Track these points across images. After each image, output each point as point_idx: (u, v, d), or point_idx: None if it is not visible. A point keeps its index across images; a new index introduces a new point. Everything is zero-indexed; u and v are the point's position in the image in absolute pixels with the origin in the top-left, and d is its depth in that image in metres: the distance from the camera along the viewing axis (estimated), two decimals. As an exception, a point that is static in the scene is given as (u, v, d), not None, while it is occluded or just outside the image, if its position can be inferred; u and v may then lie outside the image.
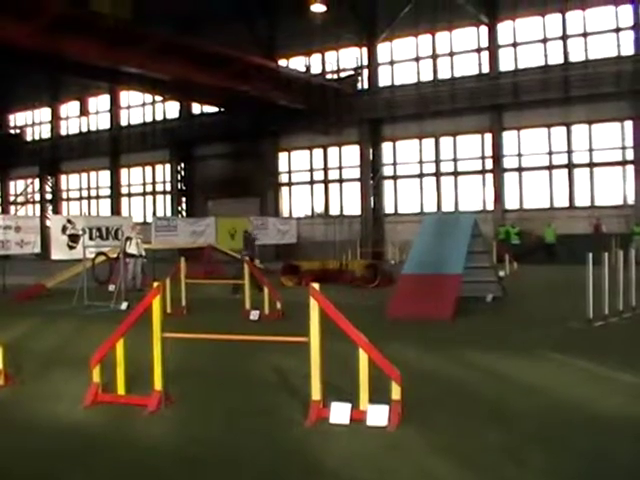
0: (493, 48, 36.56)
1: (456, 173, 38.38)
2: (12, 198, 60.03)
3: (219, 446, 6.52)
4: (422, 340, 11.90)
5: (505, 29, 36.38)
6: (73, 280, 20.14)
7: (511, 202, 36.76)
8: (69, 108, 55.94)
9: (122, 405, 7.76)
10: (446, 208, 38.23)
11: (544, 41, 35.43)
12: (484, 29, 36.78)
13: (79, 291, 17.83)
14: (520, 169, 36.53)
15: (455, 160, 38.38)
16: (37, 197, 57.62)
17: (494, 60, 36.54)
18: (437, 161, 38.86)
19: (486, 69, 36.89)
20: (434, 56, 38.77)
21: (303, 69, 41.65)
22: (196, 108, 47.68)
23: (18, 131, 59.31)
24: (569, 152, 35.14)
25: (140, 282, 21.51)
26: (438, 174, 38.87)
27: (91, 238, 24.55)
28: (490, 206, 37.01)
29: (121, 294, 17.39)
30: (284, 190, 44.79)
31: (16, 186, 60.17)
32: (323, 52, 42.18)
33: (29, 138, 58.94)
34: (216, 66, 32.37)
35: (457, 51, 38.09)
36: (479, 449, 6.23)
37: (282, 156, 44.43)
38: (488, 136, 36.95)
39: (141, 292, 18.95)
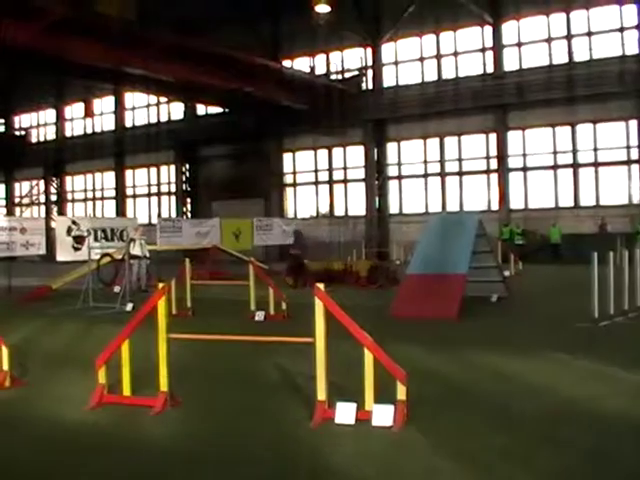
0: (497, 48, 36.53)
1: (461, 173, 38.36)
2: (17, 200, 60.10)
3: (225, 447, 6.53)
4: (427, 340, 11.90)
5: (509, 29, 36.34)
6: (78, 281, 20.16)
7: (516, 202, 36.70)
8: (74, 110, 56.02)
9: (128, 406, 7.78)
10: (451, 208, 38.19)
11: (548, 41, 35.37)
12: (488, 29, 36.75)
13: (84, 292, 17.86)
14: (525, 169, 36.48)
15: (460, 160, 38.35)
16: (42, 198, 57.68)
17: (498, 60, 36.51)
18: (442, 161, 38.85)
19: (490, 69, 36.86)
20: (438, 56, 38.75)
21: (307, 70, 41.66)
22: (201, 109, 47.73)
23: (23, 133, 59.41)
24: (574, 151, 35.07)
25: (145, 283, 21.54)
26: (443, 174, 38.86)
27: (96, 239, 24.57)
28: (495, 206, 36.96)
29: (126, 295, 17.41)
30: (289, 191, 44.80)
31: (21, 188, 60.26)
32: (327, 52, 42.17)
33: (34, 140, 59.03)
34: (220, 67, 32.40)
35: (461, 51, 38.07)
36: (484, 449, 6.23)
37: (286, 157, 44.46)
38: (493, 136, 36.92)
39: (146, 293, 18.97)
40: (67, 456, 6.38)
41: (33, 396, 8.59)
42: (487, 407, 7.60)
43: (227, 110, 44.03)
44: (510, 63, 36.38)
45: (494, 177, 37.16)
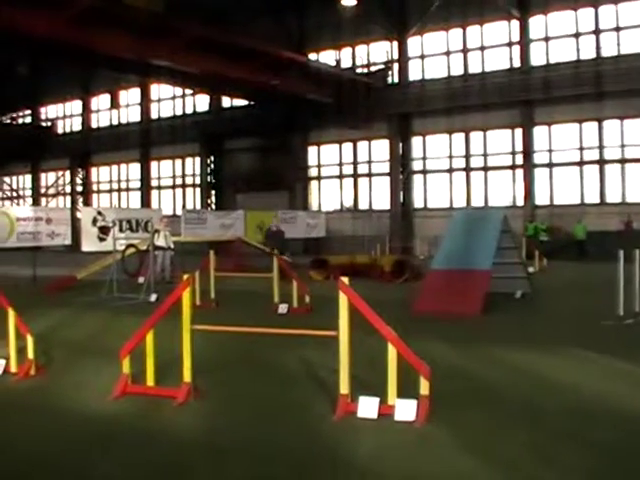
0: (524, 42, 36.29)
1: (486, 168, 38.17)
2: (43, 190, 60.50)
3: (246, 439, 6.54)
4: (450, 336, 11.86)
5: (537, 23, 36.08)
6: (103, 272, 20.28)
7: (541, 198, 36.49)
8: (100, 101, 56.28)
9: (151, 396, 7.81)
10: (476, 203, 38.05)
11: (576, 35, 35.09)
12: (515, 23, 36.52)
13: (109, 283, 17.95)
14: (551, 165, 36.25)
15: (485, 155, 38.17)
16: (68, 189, 58.05)
17: (525, 54, 36.27)
18: (467, 156, 38.69)
19: (517, 63, 36.63)
20: (465, 50, 38.57)
21: (333, 63, 41.60)
22: (226, 102, 47.81)
23: (49, 124, 59.77)
24: (600, 148, 34.78)
25: (169, 274, 21.62)
26: (468, 169, 38.70)
27: (121, 230, 24.70)
28: (520, 202, 36.77)
29: (150, 286, 17.49)
30: (313, 184, 44.81)
31: (47, 178, 60.66)
32: (353, 46, 42.14)
33: (60, 131, 59.42)
34: (246, 60, 32.41)
35: (488, 45, 37.85)
36: (508, 446, 6.21)
37: (311, 150, 44.45)
38: (519, 131, 36.72)
39: (170, 284, 19.04)
40: (90, 445, 6.41)
41: (57, 385, 8.66)
42: (510, 403, 7.57)
43: (253, 103, 44.09)
44: (537, 58, 36.13)
45: (519, 173, 36.96)
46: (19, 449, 6.36)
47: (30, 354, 8.97)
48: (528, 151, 36.34)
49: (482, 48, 38.02)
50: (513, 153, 37.18)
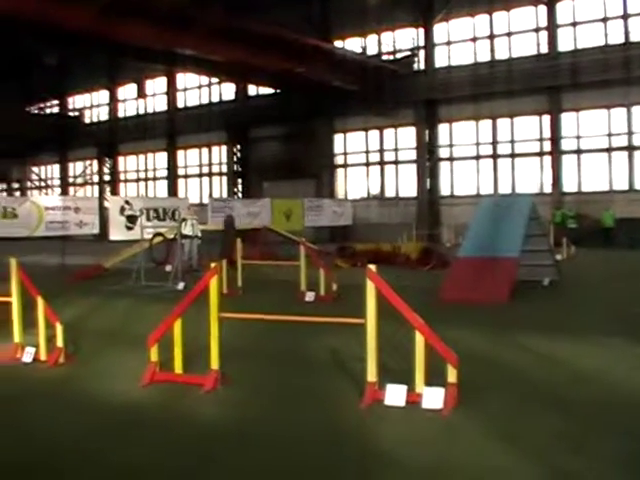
0: (552, 28, 35.95)
1: (513, 155, 37.92)
2: (71, 179, 60.91)
3: (274, 426, 6.56)
4: (477, 323, 11.83)
5: (564, 8, 35.72)
6: (130, 260, 20.40)
7: (569, 185, 36.18)
8: (126, 90, 56.51)
9: (179, 384, 7.86)
10: (503, 190, 37.83)
11: (604, 20, 34.71)
12: (543, 8, 36.18)
13: (136, 271, 18.05)
14: (579, 151, 35.93)
15: (512, 142, 37.91)
16: (95, 178, 58.40)
17: (553, 40, 35.93)
18: (494, 143, 38.45)
19: (544, 49, 36.30)
20: (491, 36, 38.29)
21: (359, 50, 41.48)
22: (252, 90, 47.81)
23: (77, 113, 60.17)
24: (629, 134, 34.41)
25: (196, 262, 21.70)
26: (495, 156, 38.47)
27: (148, 219, 24.82)
28: (548, 189, 36.50)
29: (178, 274, 17.58)
30: (339, 172, 44.74)
31: (75, 168, 61.07)
32: (379, 33, 41.98)
33: (88, 120, 59.75)
34: (271, 48, 32.38)
35: (515, 31, 37.54)
36: (535, 434, 6.18)
37: (337, 138, 44.36)
38: (546, 118, 36.42)
39: (197, 273, 19.11)
40: (118, 432, 6.47)
41: (86, 373, 8.73)
42: (538, 391, 7.53)
43: (278, 91, 44.09)
44: (564, 43, 35.78)
45: (547, 160, 36.68)
46: (48, 436, 6.42)
47: (59, 342, 9.05)
48: (555, 138, 36.04)
49: (509, 34, 37.72)
50: (540, 140, 36.89)
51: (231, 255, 19.58)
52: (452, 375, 6.87)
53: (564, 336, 10.73)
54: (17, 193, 63.74)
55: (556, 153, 36.12)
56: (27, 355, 9.25)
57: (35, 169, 64.14)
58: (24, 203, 24.52)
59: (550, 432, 6.21)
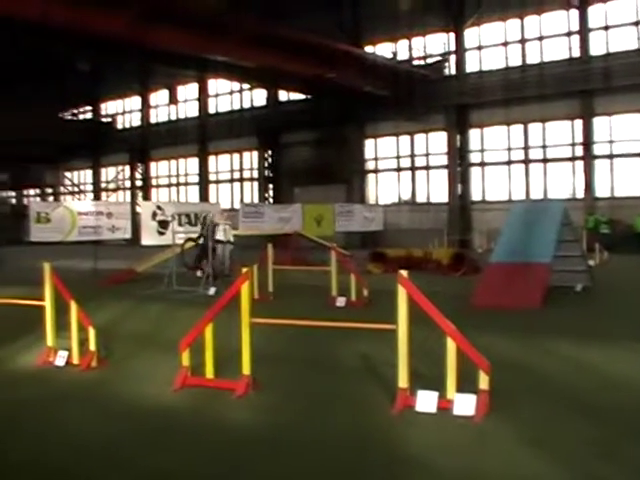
0: (584, 31, 35.65)
1: (545, 160, 37.65)
2: (104, 185, 61.40)
3: (305, 432, 6.57)
4: (509, 329, 11.76)
5: (596, 12, 35.43)
6: (162, 265, 20.52)
7: (602, 190, 35.84)
8: (158, 96, 56.89)
9: (210, 388, 7.89)
10: (535, 196, 37.57)
11: (637, 24, 34.39)
12: (574, 12, 35.92)
13: (168, 276, 18.15)
14: (611, 156, 35.59)
15: (544, 147, 37.65)
16: (127, 184, 58.84)
17: (585, 44, 35.63)
18: (525, 148, 38.20)
19: (576, 53, 36.02)
20: (522, 40, 38.06)
21: (389, 55, 41.45)
22: (283, 95, 47.94)
23: (110, 119, 60.69)
24: (663, 138, 34.10)
25: (228, 268, 21.75)
26: (527, 161, 38.21)
27: (180, 224, 24.92)
28: (580, 194, 36.20)
29: (209, 279, 17.64)
30: (370, 177, 44.69)
31: (107, 173, 61.58)
32: (410, 38, 41.90)
33: (120, 126, 60.27)
34: (303, 53, 32.47)
35: (546, 35, 37.31)
36: (568, 442, 6.13)
37: (368, 143, 44.31)
38: (578, 122, 36.11)
39: (229, 278, 19.17)
40: (150, 437, 6.51)
41: (118, 376, 8.79)
42: (571, 398, 7.47)
43: (309, 96, 44.17)
44: (597, 47, 35.50)
45: (579, 164, 36.38)
46: (79, 440, 6.47)
47: (92, 346, 9.13)
48: (588, 142, 35.73)
49: (540, 38, 37.48)
50: (573, 144, 36.58)
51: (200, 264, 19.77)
52: (484, 382, 6.84)
53: (596, 342, 10.64)
54: (50, 198, 64.40)
55: (588, 158, 35.81)
56: (60, 358, 9.34)
57: (68, 174, 64.77)
58: (57, 208, 24.73)
59: (581, 438, 6.17)
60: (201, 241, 19.95)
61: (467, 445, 6.10)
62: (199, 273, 19.23)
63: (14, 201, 67.37)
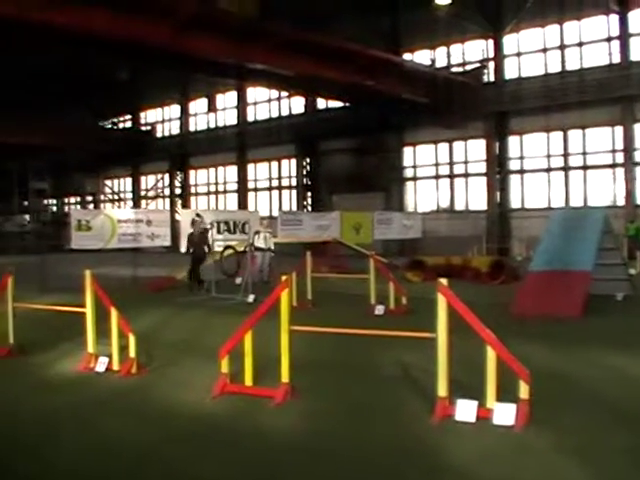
0: (624, 37, 35.30)
1: (585, 167, 37.30)
2: (143, 192, 61.88)
3: (344, 440, 6.57)
4: (549, 338, 11.67)
5: (636, 17, 35.03)
6: (202, 273, 20.62)
7: (643, 197, 35.48)
8: (198, 105, 57.21)
9: (249, 396, 7.92)
10: (574, 203, 37.22)
11: (679, 29, 34.04)
12: (614, 17, 35.58)
13: (207, 283, 18.24)
14: (653, 162, 35.23)
15: (584, 154, 37.30)
16: (167, 192, 59.25)
17: (625, 49, 35.27)
18: (565, 155, 37.87)
19: (617, 59, 35.67)
20: (562, 46, 37.76)
21: (428, 62, 41.36)
22: (321, 103, 48.00)
23: (149, 128, 61.18)
24: None
25: (267, 275, 21.82)
26: (566, 168, 37.87)
27: (219, 232, 25.02)
28: (621, 201, 35.81)
29: (248, 287, 17.71)
30: (409, 185, 44.58)
31: (147, 181, 62.03)
32: (448, 45, 41.76)
33: (159, 135, 60.72)
34: (341, 61, 32.48)
35: (586, 41, 36.99)
36: (609, 453, 6.07)
37: (407, 150, 44.20)
38: (619, 129, 35.70)
39: (267, 285, 19.24)
40: (188, 444, 6.55)
41: (158, 383, 8.86)
42: (611, 408, 7.40)
43: (347, 104, 44.19)
44: (637, 52, 35.11)
45: (620, 172, 35.97)
46: (118, 446, 6.53)
47: (132, 352, 9.21)
48: (629, 149, 35.35)
49: (580, 44, 37.16)
50: (613, 151, 36.19)
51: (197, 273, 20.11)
52: (524, 391, 6.80)
53: (638, 352, 10.51)
54: (91, 206, 65.06)
55: (629, 165, 35.40)
56: (100, 365, 9.44)
57: (108, 182, 65.44)
58: (98, 216, 24.93)
59: (623, 449, 6.11)
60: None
61: (507, 455, 6.07)
62: (238, 280, 19.31)
63: (55, 209, 68.13)
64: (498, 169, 39.51)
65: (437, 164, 42.85)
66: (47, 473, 5.95)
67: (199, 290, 19.73)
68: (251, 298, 17.11)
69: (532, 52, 38.88)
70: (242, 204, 52.65)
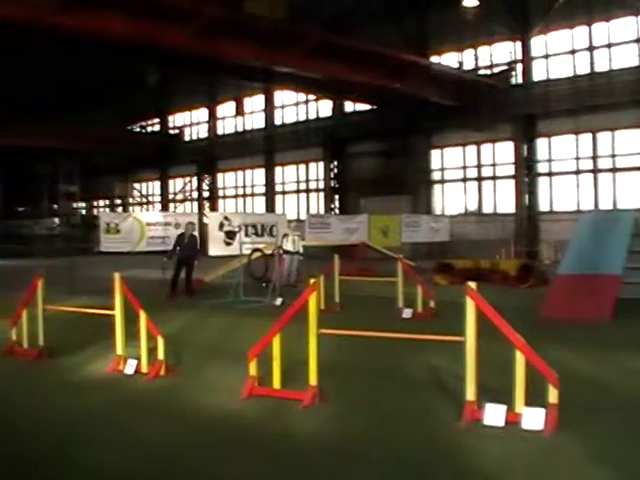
0: (654, 38, 35.07)
1: (614, 170, 37.00)
2: (171, 196, 62.16)
3: (371, 443, 6.57)
4: (579, 342, 11.60)
5: (668, 18, 34.83)
6: (229, 275, 20.69)
7: (674, 200, 35.14)
8: (225, 108, 57.32)
9: (277, 399, 7.94)
10: (604, 206, 36.94)
11: None
12: (644, 18, 35.33)
13: (235, 286, 18.31)
14: (684, 165, 34.90)
15: (613, 156, 37.00)
16: (195, 195, 59.43)
17: (655, 51, 35.04)
18: (594, 157, 37.58)
19: (647, 60, 35.43)
20: (591, 48, 37.46)
21: (455, 65, 41.24)
22: (349, 106, 47.97)
23: (177, 131, 61.45)
24: None
25: (294, 278, 21.86)
26: (595, 171, 37.59)
27: (247, 235, 25.10)
28: (651, 204, 35.54)
29: (276, 290, 17.75)
30: (436, 188, 44.47)
31: (175, 184, 62.26)
32: (475, 47, 41.58)
33: (187, 138, 60.96)
34: (368, 64, 32.47)
35: (615, 42, 36.70)
36: (638, 458, 6.03)
37: (435, 153, 44.06)
38: (649, 131, 35.49)
39: (295, 288, 19.27)
40: (217, 446, 6.58)
41: (186, 385, 8.91)
42: (642, 413, 7.35)
43: (375, 107, 44.16)
44: (668, 54, 34.87)
45: (651, 174, 35.72)
46: (147, 448, 6.58)
47: (160, 355, 9.27)
48: (659, 151, 35.06)
49: (609, 45, 36.85)
50: (643, 153, 35.93)
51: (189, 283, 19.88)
52: (553, 395, 6.76)
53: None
54: (119, 209, 65.43)
55: (660, 167, 35.13)
56: (129, 367, 9.51)
57: (137, 186, 65.80)
58: (127, 219, 25.08)
59: (655, 455, 6.06)
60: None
61: (536, 460, 6.04)
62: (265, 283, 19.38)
63: (84, 212, 68.61)
64: (526, 172, 39.27)
65: (465, 167, 42.66)
66: (75, 474, 6.00)
67: (175, 298, 19.16)
68: (279, 301, 17.16)
69: (560, 54, 38.59)
70: (270, 207, 52.73)
